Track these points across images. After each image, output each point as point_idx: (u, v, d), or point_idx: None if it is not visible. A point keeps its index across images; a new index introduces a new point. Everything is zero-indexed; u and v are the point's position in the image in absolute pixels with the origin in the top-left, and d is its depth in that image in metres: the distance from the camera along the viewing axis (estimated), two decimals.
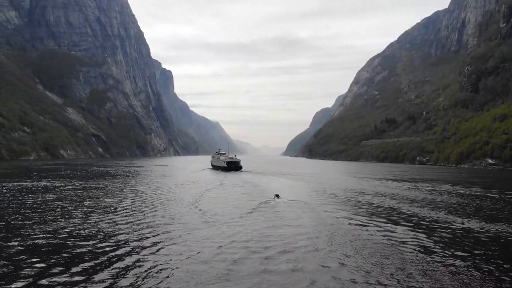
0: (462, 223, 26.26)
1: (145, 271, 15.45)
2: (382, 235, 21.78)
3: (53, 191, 41.11)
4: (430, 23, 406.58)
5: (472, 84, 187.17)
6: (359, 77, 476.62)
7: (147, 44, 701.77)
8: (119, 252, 17.90)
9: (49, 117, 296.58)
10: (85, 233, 21.33)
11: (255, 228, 23.39)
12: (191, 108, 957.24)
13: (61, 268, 15.46)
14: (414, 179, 70.56)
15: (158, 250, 18.33)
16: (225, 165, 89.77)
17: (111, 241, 19.79)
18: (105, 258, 16.87)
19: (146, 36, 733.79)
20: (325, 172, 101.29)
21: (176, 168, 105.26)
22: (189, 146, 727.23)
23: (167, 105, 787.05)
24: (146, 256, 17.35)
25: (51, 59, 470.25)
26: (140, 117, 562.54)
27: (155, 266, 15.99)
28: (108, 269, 15.59)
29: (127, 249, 18.48)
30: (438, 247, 19.72)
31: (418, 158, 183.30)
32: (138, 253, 17.89)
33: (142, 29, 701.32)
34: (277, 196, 37.50)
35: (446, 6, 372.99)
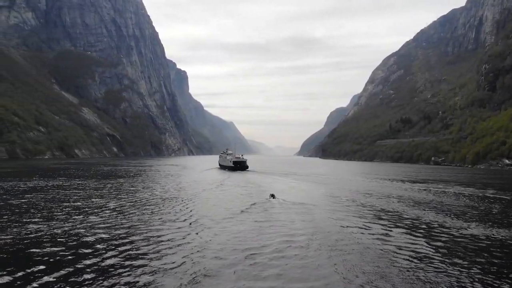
0: (467, 228, 24.38)
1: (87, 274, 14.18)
2: (380, 243, 19.83)
3: (42, 190, 40.41)
4: (446, 21, 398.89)
5: (489, 83, 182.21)
6: (374, 76, 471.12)
7: (162, 45, 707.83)
8: (73, 252, 16.71)
9: (65, 117, 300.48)
10: (52, 235, 20.21)
11: (236, 232, 21.92)
12: (205, 108, 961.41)
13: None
14: (426, 180, 68.19)
15: (117, 254, 17.03)
16: (231, 164, 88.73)
17: (73, 242, 18.63)
18: (65, 260, 15.69)
19: (161, 36, 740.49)
20: (335, 172, 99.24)
21: (185, 168, 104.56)
22: (203, 146, 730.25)
23: (182, 105, 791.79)
24: (95, 259, 16.09)
25: (67, 60, 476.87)
26: (154, 117, 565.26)
27: (99, 269, 14.73)
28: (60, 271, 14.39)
29: (85, 250, 17.28)
30: (437, 255, 18.03)
31: (433, 158, 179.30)
32: (92, 254, 16.65)
33: (157, 29, 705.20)
34: (273, 196, 36.04)
35: (463, 4, 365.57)
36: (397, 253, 18.03)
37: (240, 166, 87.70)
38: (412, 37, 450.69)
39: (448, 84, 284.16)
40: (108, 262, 15.99)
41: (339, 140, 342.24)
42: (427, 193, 44.83)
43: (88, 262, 15.94)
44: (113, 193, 39.04)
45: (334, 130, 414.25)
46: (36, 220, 23.88)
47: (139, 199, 34.76)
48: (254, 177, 67.50)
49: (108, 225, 22.84)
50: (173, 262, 16.05)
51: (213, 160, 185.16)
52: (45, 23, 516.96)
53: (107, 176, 66.08)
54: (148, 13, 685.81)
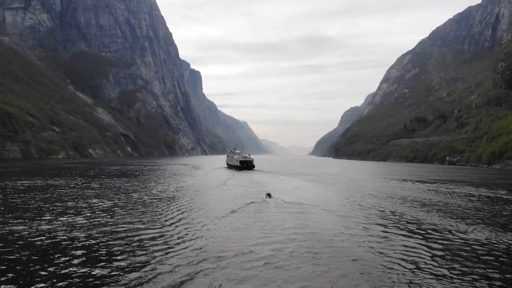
0: (469, 232, 23.06)
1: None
2: (376, 252, 18.55)
3: (36, 189, 40.19)
4: (462, 19, 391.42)
5: (506, 81, 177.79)
6: (389, 75, 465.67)
7: (176, 45, 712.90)
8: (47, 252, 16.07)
9: (79, 117, 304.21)
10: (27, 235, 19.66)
11: (219, 233, 21.03)
12: (219, 108, 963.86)
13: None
14: (438, 180, 66.27)
15: (86, 253, 16.33)
16: (238, 164, 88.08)
17: (50, 241, 18.01)
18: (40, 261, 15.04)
19: (175, 37, 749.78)
20: (346, 172, 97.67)
21: (193, 168, 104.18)
22: (216, 146, 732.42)
23: (196, 105, 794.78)
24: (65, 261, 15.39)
25: (82, 61, 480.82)
26: (168, 117, 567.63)
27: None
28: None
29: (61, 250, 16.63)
30: (438, 261, 16.89)
31: (447, 158, 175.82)
32: (62, 254, 15.97)
33: (171, 30, 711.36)
34: (269, 195, 35.07)
35: (479, 1, 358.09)
36: (393, 262, 16.84)
37: (246, 165, 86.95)
38: (427, 35, 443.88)
39: (464, 83, 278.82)
40: (80, 263, 15.31)
41: (352, 140, 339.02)
42: (436, 194, 43.30)
43: (58, 261, 15.28)
44: (108, 192, 38.58)
45: (348, 130, 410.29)
46: (20, 220, 23.42)
47: (132, 198, 34.18)
48: (259, 177, 66.58)
49: (88, 224, 22.24)
50: (133, 265, 15.25)
51: (224, 159, 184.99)
52: (60, 24, 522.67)
53: (111, 175, 65.96)
54: (162, 14, 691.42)
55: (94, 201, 32.09)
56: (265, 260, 16.33)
